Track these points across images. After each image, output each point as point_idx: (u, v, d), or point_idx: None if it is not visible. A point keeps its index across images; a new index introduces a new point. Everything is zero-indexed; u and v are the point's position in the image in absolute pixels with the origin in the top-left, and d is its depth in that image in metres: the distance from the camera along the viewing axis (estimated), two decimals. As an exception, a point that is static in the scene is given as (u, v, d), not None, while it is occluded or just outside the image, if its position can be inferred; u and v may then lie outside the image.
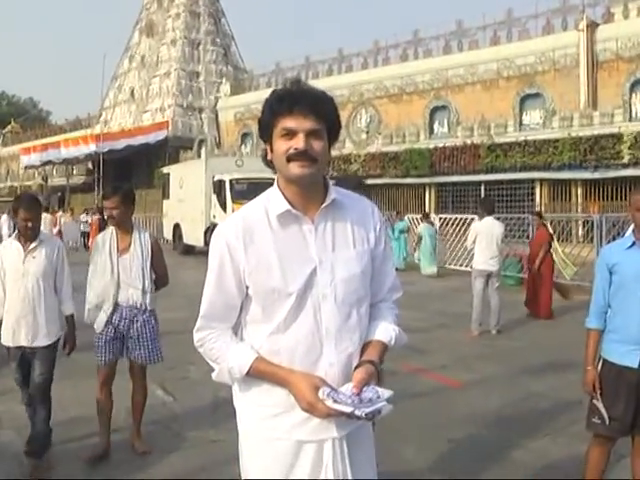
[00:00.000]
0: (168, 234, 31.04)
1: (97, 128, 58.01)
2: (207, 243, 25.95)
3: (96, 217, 30.26)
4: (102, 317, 5.76)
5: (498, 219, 12.04)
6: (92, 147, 51.98)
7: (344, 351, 2.55)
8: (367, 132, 40.05)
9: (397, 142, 37.24)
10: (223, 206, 24.91)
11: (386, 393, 2.43)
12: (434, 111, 38.83)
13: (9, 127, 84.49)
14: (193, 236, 27.47)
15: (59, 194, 60.78)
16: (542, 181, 28.79)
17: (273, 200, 2.57)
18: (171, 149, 49.41)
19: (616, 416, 4.47)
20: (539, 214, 14.77)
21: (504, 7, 48.19)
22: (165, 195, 31.83)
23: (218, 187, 25.44)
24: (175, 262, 25.73)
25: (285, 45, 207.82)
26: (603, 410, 4.50)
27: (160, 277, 6.17)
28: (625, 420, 4.45)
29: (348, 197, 2.70)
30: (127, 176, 55.53)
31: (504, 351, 10.31)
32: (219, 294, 2.60)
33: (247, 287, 2.56)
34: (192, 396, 7.72)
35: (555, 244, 17.05)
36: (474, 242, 11.43)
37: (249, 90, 52.22)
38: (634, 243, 4.47)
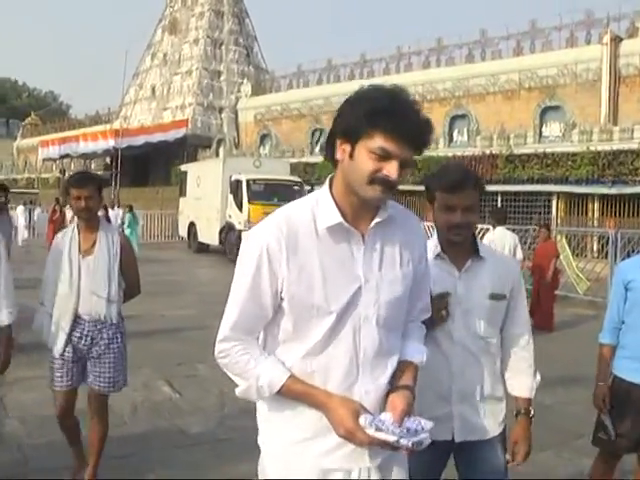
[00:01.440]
0: (183, 232, 31.13)
1: (116, 124, 58.39)
2: (222, 242, 26.09)
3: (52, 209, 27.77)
4: (61, 336, 4.78)
5: (513, 230, 11.97)
6: (111, 142, 52.34)
7: (380, 377, 2.40)
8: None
9: (416, 149, 36.97)
10: (239, 206, 24.92)
11: (428, 424, 2.30)
12: (454, 119, 38.73)
13: (29, 119, 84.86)
14: (208, 235, 27.51)
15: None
16: (559, 194, 28.60)
17: (323, 208, 2.36)
18: (190, 147, 49.48)
19: (622, 432, 4.43)
20: (547, 227, 14.72)
21: (528, 18, 48.07)
22: (182, 193, 31.86)
23: (235, 187, 25.45)
24: (189, 260, 25.89)
25: (308, 47, 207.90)
26: (610, 426, 4.48)
27: (130, 286, 5.13)
28: (631, 437, 4.41)
29: (400, 212, 2.51)
30: (145, 172, 55.99)
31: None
32: (252, 303, 2.35)
33: (282, 299, 2.34)
34: (199, 393, 7.70)
35: (570, 258, 17.01)
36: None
37: (270, 91, 52.17)
38: None
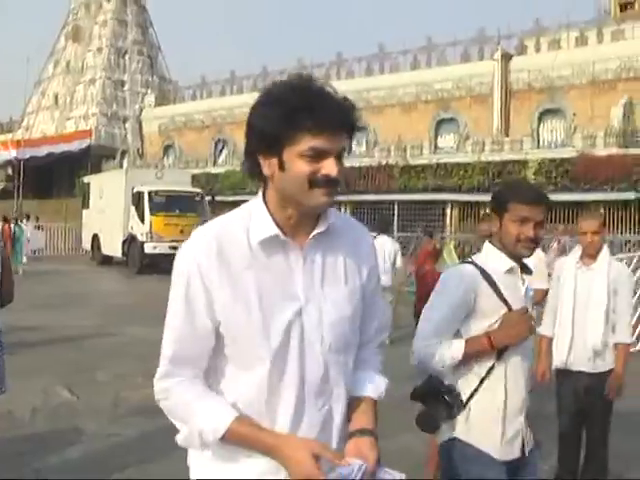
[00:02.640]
0: (87, 244, 31.12)
1: (18, 133, 57.57)
2: (125, 254, 26.31)
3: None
4: None
5: (398, 238, 12.72)
6: (12, 153, 51.51)
7: (323, 408, 2.10)
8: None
9: (317, 160, 37.87)
10: (141, 217, 25.21)
11: (398, 475, 2.02)
12: (353, 131, 39.75)
13: None
14: (111, 247, 27.67)
15: None
16: (452, 202, 30.00)
17: (257, 220, 2.08)
18: (94, 158, 49.27)
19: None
20: (430, 233, 15.58)
21: (424, 33, 50.05)
22: (85, 205, 31.89)
23: (137, 199, 25.73)
24: (93, 272, 26.05)
25: (211, 59, 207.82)
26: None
27: (7, 293, 5.35)
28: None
29: (344, 221, 2.23)
30: (48, 184, 55.14)
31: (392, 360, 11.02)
32: (189, 329, 2.05)
33: (219, 323, 2.05)
34: (95, 396, 8.11)
35: (455, 262, 17.96)
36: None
37: (174, 102, 52.67)
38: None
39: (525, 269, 3.27)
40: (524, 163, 28.30)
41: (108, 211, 28.27)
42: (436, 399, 3.18)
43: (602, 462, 5.22)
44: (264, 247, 2.05)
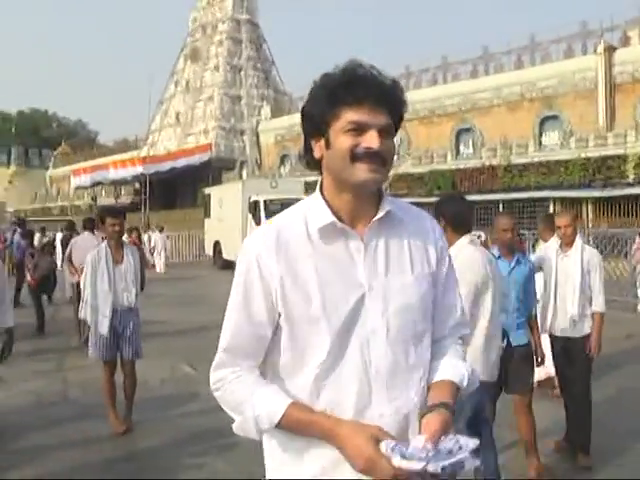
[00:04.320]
0: (209, 250, 33.12)
1: (144, 150, 60.90)
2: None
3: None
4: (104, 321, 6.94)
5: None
6: (139, 169, 54.67)
7: (397, 398, 2.04)
8: (397, 153, 41.24)
9: (425, 163, 38.91)
10: (258, 224, 26.57)
11: (470, 442, 1.89)
12: (460, 133, 40.67)
13: (60, 149, 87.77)
14: (232, 252, 29.38)
15: (99, 210, 62.37)
16: (554, 199, 30.40)
17: (315, 210, 2.09)
18: (214, 170, 51.56)
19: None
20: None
21: (528, 32, 50.05)
22: (206, 214, 33.96)
23: (253, 207, 27.44)
24: (214, 275, 27.95)
25: (323, 68, 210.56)
26: None
27: (143, 283, 7.45)
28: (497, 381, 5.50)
29: (405, 209, 2.21)
30: (172, 196, 58.21)
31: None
32: (245, 320, 2.08)
33: (279, 314, 2.05)
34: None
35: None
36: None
37: (288, 113, 53.90)
38: (499, 256, 5.76)
39: None
40: (624, 157, 28.39)
41: (227, 219, 30.10)
42: None
43: (586, 421, 6.21)
44: (323, 236, 2.04)
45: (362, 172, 1.97)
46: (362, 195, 2.06)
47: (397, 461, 1.80)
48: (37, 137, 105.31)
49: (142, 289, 7.45)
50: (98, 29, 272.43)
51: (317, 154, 2.09)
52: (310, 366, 2.02)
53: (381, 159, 1.99)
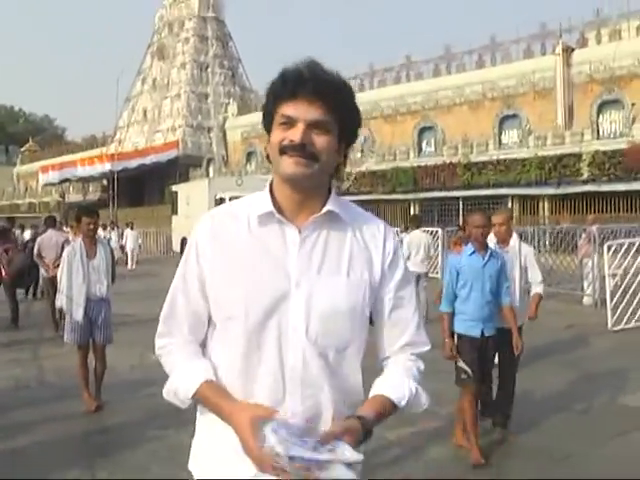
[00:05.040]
0: (176, 246, 33.50)
1: (112, 147, 60.98)
2: (210, 254, 28.66)
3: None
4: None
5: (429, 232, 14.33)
6: (107, 166, 54.80)
7: (309, 399, 2.02)
8: (361, 151, 42.14)
9: (389, 160, 39.79)
10: None
11: (354, 455, 1.82)
12: (422, 131, 41.54)
13: (27, 146, 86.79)
14: None
15: (76, 210, 62.60)
16: (512, 196, 31.47)
17: (258, 200, 2.11)
18: (181, 167, 51.99)
19: (473, 369, 6.05)
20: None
21: (489, 32, 50.84)
22: (174, 211, 34.56)
23: (219, 204, 27.99)
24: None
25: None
26: (467, 367, 6.06)
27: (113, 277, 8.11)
28: (478, 370, 6.08)
29: (352, 212, 2.18)
30: (140, 193, 58.58)
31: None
32: (181, 296, 2.16)
33: (208, 296, 2.11)
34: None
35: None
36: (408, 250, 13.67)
37: (255, 110, 53.95)
38: (474, 251, 6.14)
39: None
40: (579, 156, 29.38)
41: (194, 217, 30.34)
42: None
43: (509, 399, 6.74)
44: (261, 224, 2.05)
45: (287, 165, 1.99)
46: (300, 190, 2.06)
47: (270, 442, 1.78)
48: (3, 133, 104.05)
49: (113, 282, 8.12)
50: (63, 24, 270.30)
51: (266, 150, 2.11)
52: (232, 352, 2.05)
53: (309, 153, 1.98)
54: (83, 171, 59.95)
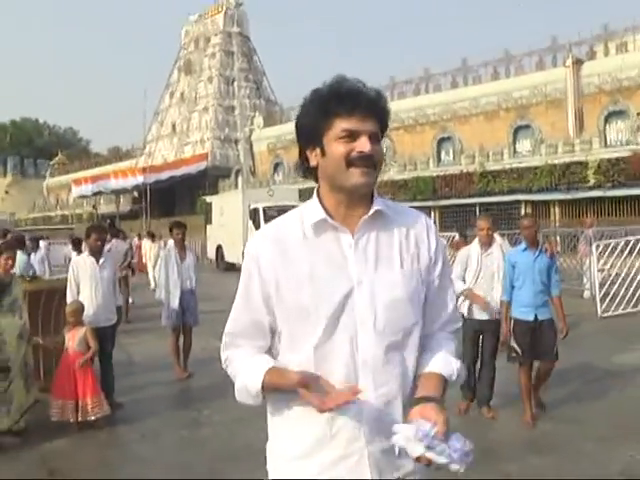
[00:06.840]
0: (211, 254, 35.22)
1: (142, 160, 63.07)
2: (245, 260, 30.41)
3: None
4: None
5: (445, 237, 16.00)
6: (139, 179, 57.13)
7: (383, 386, 2.13)
8: (384, 159, 43.11)
9: (410, 169, 41.25)
10: (257, 229, 28.81)
11: (468, 445, 1.92)
12: (441, 141, 43.32)
13: (57, 159, 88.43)
14: (233, 255, 31.39)
15: (108, 221, 63.89)
16: (526, 202, 33.07)
17: (310, 209, 2.22)
18: (210, 178, 53.63)
19: (525, 349, 6.89)
20: (465, 236, 16.13)
21: (503, 46, 52.24)
22: (208, 221, 36.08)
23: (253, 214, 29.63)
24: (219, 276, 30.04)
25: (314, 78, 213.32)
26: (517, 347, 6.93)
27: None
28: (530, 350, 6.89)
29: (398, 210, 2.30)
30: (171, 203, 60.29)
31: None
32: (245, 309, 2.28)
33: (274, 304, 2.20)
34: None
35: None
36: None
37: (280, 122, 55.79)
38: (526, 248, 6.99)
39: None
40: (585, 164, 30.91)
41: (229, 225, 32.20)
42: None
43: (491, 381, 7.41)
44: (316, 232, 2.17)
45: (356, 176, 2.10)
46: (357, 197, 2.17)
47: (420, 449, 1.87)
48: (31, 146, 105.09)
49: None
50: (86, 39, 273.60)
51: (314, 162, 2.20)
52: (303, 352, 2.14)
53: (372, 162, 2.11)
54: (116, 184, 61.96)
